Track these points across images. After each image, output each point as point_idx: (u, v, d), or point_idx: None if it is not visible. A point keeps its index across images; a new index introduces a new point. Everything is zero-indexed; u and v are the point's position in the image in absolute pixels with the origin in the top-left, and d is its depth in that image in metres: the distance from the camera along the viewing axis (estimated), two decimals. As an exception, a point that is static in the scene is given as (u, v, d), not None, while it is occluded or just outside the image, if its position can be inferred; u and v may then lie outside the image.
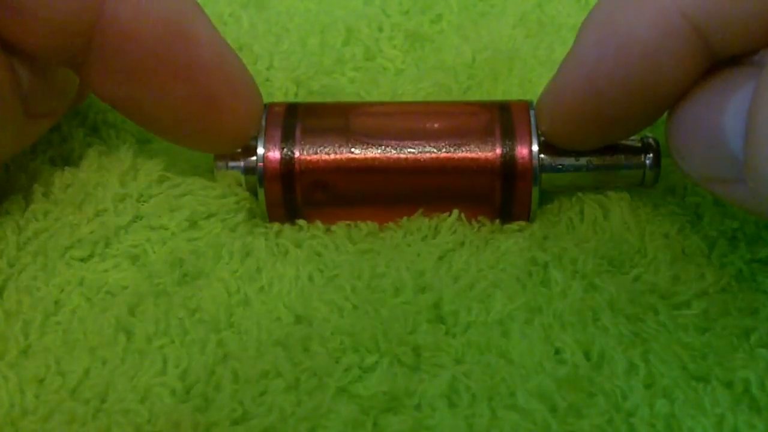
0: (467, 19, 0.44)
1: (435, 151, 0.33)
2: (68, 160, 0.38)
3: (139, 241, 0.33)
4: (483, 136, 0.33)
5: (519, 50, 0.42)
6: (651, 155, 0.34)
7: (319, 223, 0.34)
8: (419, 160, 0.33)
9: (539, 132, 0.33)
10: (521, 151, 0.33)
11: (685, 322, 0.31)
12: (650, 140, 0.34)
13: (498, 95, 0.40)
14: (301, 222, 0.34)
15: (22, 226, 0.33)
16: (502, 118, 0.34)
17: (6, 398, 0.29)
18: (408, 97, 0.40)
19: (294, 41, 0.42)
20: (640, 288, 0.32)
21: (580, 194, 0.35)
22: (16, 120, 0.31)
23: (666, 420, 0.28)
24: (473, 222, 0.34)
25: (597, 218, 0.34)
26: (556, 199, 0.35)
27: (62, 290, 0.32)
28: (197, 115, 0.32)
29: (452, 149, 0.33)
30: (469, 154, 0.33)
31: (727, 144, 0.28)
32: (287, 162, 0.33)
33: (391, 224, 0.34)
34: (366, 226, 0.34)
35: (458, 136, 0.33)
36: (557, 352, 0.30)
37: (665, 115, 0.31)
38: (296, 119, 0.34)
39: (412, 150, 0.33)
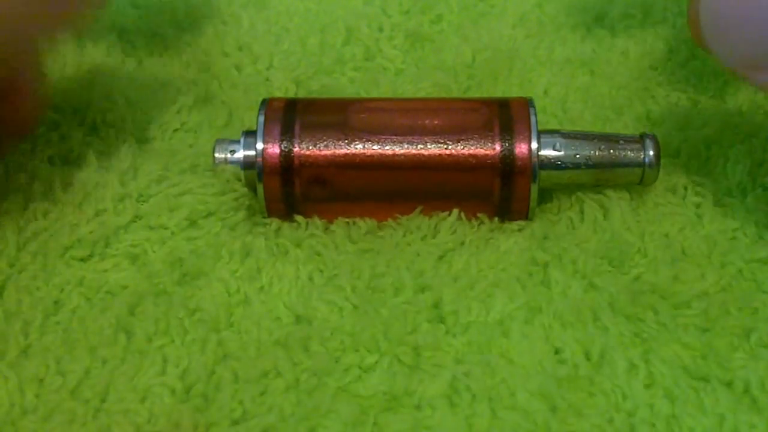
0: (467, 19, 0.44)
1: (434, 147, 0.33)
2: (67, 159, 0.38)
3: (138, 240, 0.33)
4: (482, 132, 0.33)
5: (519, 50, 0.42)
6: (651, 153, 0.34)
7: (318, 222, 0.34)
8: (418, 155, 0.33)
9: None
10: (520, 148, 0.33)
11: (685, 322, 0.31)
12: (650, 138, 0.34)
13: (498, 95, 0.40)
14: (301, 220, 0.34)
15: (22, 226, 0.33)
16: (502, 114, 0.34)
17: (6, 398, 0.29)
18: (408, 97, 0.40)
19: (294, 41, 0.42)
20: (640, 288, 0.32)
21: (579, 194, 0.35)
22: None
23: (666, 420, 0.28)
24: (473, 221, 0.34)
25: (597, 218, 0.34)
26: (555, 198, 0.35)
27: (62, 290, 0.32)
28: None
29: (451, 145, 0.33)
30: (468, 151, 0.33)
31: None
32: (286, 156, 0.34)
33: (390, 223, 0.34)
34: (365, 225, 0.34)
35: (457, 132, 0.33)
36: (557, 352, 0.30)
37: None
38: (295, 114, 0.34)
39: (411, 145, 0.33)
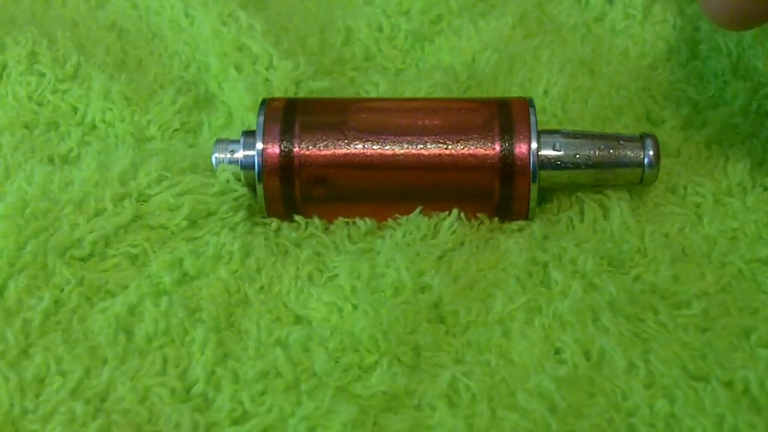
0: (467, 19, 0.44)
1: (434, 146, 0.33)
2: (67, 159, 0.38)
3: (138, 240, 0.33)
4: (482, 132, 0.33)
5: (519, 50, 0.42)
6: (651, 153, 0.34)
7: (318, 222, 0.34)
8: (418, 155, 0.33)
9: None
10: (520, 148, 0.33)
11: (685, 322, 0.31)
12: (650, 138, 0.34)
13: (498, 95, 0.40)
14: (300, 220, 0.34)
15: (21, 226, 0.33)
16: (502, 114, 0.34)
17: (6, 398, 0.29)
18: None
19: (294, 41, 0.42)
20: (640, 288, 0.32)
21: (579, 194, 0.35)
22: None
23: (666, 420, 0.28)
24: (472, 221, 0.34)
25: (597, 218, 0.34)
26: (555, 198, 0.35)
27: (62, 290, 0.32)
28: None
29: (451, 145, 0.33)
30: (468, 150, 0.33)
31: None
32: (286, 156, 0.34)
33: (390, 223, 0.34)
34: (365, 225, 0.34)
35: (457, 132, 0.34)
36: (557, 352, 0.30)
37: None
38: (295, 114, 0.34)
39: (411, 145, 0.33)
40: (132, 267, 0.33)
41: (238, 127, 0.39)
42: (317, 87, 0.40)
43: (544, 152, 0.33)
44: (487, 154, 0.33)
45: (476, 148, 0.33)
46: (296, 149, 0.34)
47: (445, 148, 0.33)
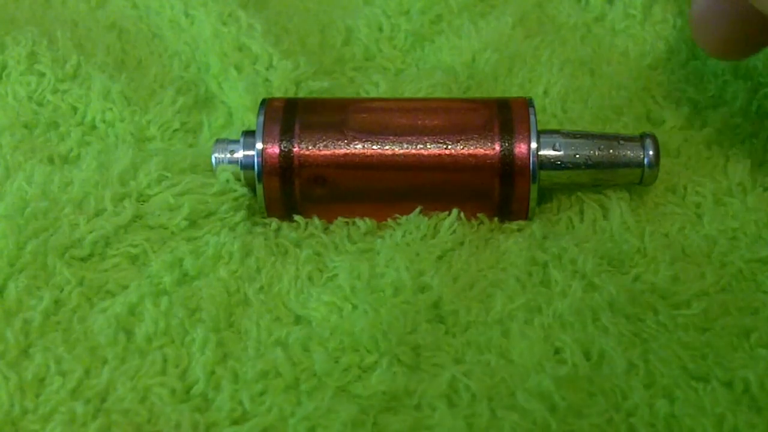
0: (467, 19, 0.44)
1: (434, 147, 0.33)
2: (67, 159, 0.38)
3: (138, 240, 0.33)
4: (482, 132, 0.33)
5: (519, 50, 0.42)
6: (651, 153, 0.34)
7: (318, 222, 0.34)
8: (418, 155, 0.33)
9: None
10: (520, 148, 0.33)
11: (685, 322, 0.31)
12: (650, 138, 0.34)
13: (498, 95, 0.40)
14: (300, 220, 0.34)
15: (21, 226, 0.33)
16: (502, 114, 0.34)
17: (6, 398, 0.29)
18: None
19: (294, 41, 0.42)
20: (640, 288, 0.32)
21: (579, 193, 0.35)
22: None
23: (666, 420, 0.28)
24: (472, 221, 0.34)
25: (596, 218, 0.34)
26: (555, 198, 0.35)
27: (62, 290, 0.32)
28: None
29: (451, 145, 0.33)
30: (467, 151, 0.33)
31: None
32: (286, 156, 0.34)
33: (390, 223, 0.34)
34: (365, 225, 0.34)
35: (457, 132, 0.34)
36: (557, 352, 0.30)
37: None
38: (295, 114, 0.34)
39: (411, 145, 0.33)
40: (132, 267, 0.33)
41: (238, 127, 0.39)
42: (317, 87, 0.40)
43: (544, 152, 0.33)
44: (487, 154, 0.33)
45: (476, 148, 0.33)
46: (296, 149, 0.34)
47: (445, 148, 0.33)
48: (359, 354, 0.30)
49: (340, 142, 0.33)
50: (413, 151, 0.33)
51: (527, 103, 0.34)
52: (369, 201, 0.34)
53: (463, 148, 0.33)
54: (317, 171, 0.34)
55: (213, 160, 0.35)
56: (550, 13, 0.44)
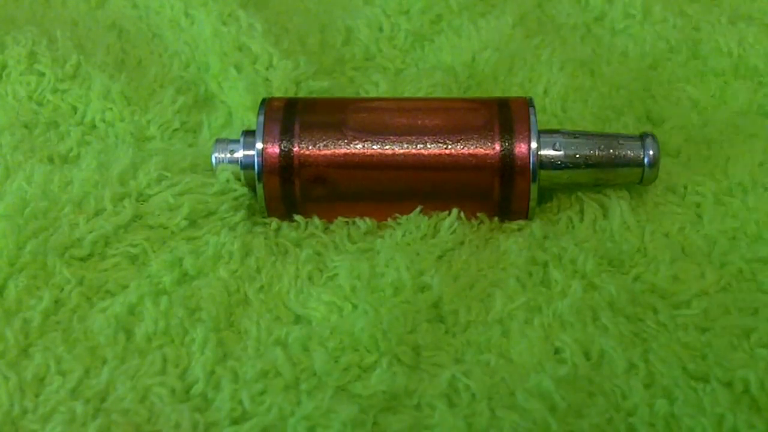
0: (467, 19, 0.44)
1: (434, 146, 0.33)
2: (67, 158, 0.38)
3: (138, 240, 0.33)
4: (482, 132, 0.33)
5: (519, 50, 0.42)
6: (651, 153, 0.34)
7: (318, 222, 0.34)
8: (418, 155, 0.33)
9: None
10: (520, 148, 0.33)
11: (685, 322, 0.31)
12: (650, 138, 0.34)
13: (498, 95, 0.40)
14: (300, 220, 0.34)
15: (21, 225, 0.33)
16: (502, 114, 0.34)
17: (6, 398, 0.29)
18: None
19: (294, 41, 0.42)
20: (640, 288, 0.32)
21: (579, 193, 0.35)
22: None
23: (666, 420, 0.28)
24: (472, 220, 0.34)
25: (596, 218, 0.34)
26: (555, 198, 0.35)
27: (62, 290, 0.32)
28: None
29: (451, 145, 0.33)
30: (468, 150, 0.33)
31: None
32: (286, 156, 0.34)
33: (390, 223, 0.34)
34: (365, 225, 0.34)
35: (457, 132, 0.34)
36: (557, 351, 0.30)
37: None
38: (295, 114, 0.34)
39: (411, 145, 0.33)
40: (132, 267, 0.33)
41: (238, 127, 0.39)
42: (317, 87, 0.40)
43: (544, 152, 0.33)
44: (487, 154, 0.33)
45: (476, 147, 0.33)
46: (296, 149, 0.34)
47: (445, 148, 0.33)
48: (359, 354, 0.30)
49: (340, 142, 0.33)
50: (413, 151, 0.33)
51: (527, 103, 0.34)
52: (369, 201, 0.34)
53: (463, 148, 0.33)
54: (317, 171, 0.34)
55: (213, 160, 0.35)
56: (550, 13, 0.44)
